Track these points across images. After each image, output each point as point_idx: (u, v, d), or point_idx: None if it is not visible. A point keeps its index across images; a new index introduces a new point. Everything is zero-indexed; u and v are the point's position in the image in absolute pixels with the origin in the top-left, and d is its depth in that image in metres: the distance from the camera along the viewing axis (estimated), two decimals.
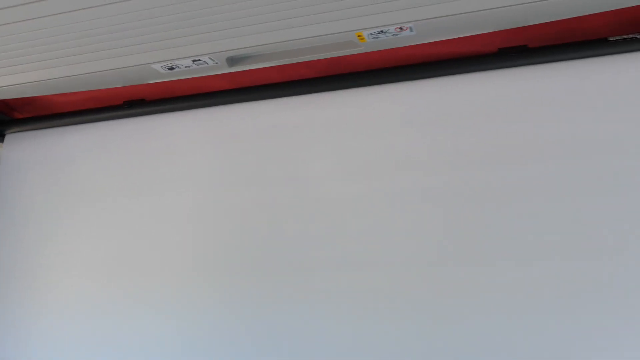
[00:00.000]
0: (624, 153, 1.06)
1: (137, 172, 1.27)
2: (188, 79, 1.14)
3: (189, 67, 1.08)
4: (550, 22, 0.97)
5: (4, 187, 1.29)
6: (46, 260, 1.28)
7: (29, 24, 0.89)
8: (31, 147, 1.29)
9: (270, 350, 1.14)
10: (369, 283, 1.14)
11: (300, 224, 1.20)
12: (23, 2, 0.84)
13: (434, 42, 1.10)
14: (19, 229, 1.28)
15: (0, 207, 1.29)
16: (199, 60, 1.06)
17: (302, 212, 1.21)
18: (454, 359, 1.08)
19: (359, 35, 1.01)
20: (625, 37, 1.05)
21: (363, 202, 1.18)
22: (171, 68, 1.09)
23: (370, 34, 1.00)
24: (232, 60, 1.08)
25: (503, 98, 1.13)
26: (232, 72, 1.14)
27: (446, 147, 1.16)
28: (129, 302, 1.23)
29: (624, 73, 1.06)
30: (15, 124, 1.30)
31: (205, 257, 1.23)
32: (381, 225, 1.16)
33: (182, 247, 1.24)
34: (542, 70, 1.12)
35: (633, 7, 0.96)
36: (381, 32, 1.00)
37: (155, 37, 0.96)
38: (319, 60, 1.20)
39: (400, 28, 0.98)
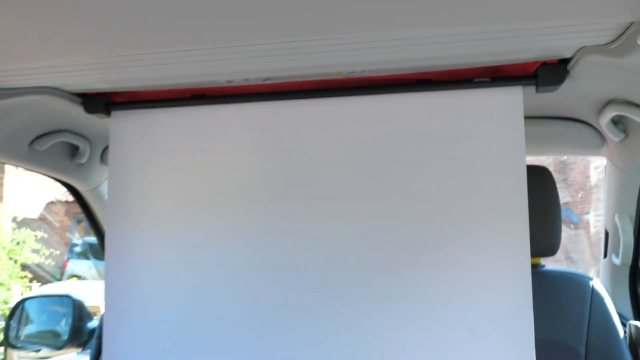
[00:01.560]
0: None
1: (213, 139, 1.56)
2: None
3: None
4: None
5: (115, 153, 1.60)
6: (148, 196, 1.59)
7: None
8: (132, 122, 1.60)
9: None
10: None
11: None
12: None
13: None
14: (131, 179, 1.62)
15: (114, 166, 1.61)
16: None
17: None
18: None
19: (341, 73, 1.37)
20: (482, 79, 1.39)
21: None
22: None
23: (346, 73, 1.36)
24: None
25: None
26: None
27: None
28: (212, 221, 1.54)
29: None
30: (116, 105, 1.61)
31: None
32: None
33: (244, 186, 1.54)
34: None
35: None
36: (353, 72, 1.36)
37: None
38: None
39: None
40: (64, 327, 2.43)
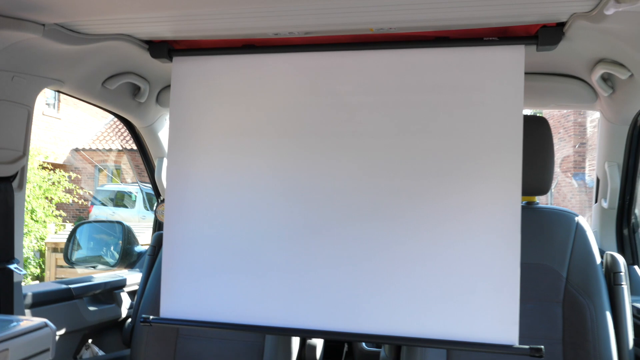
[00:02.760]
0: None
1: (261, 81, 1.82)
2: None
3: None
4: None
5: (176, 92, 1.87)
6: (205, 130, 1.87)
7: None
8: (190, 66, 1.86)
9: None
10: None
11: None
12: None
13: None
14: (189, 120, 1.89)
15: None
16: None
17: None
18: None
19: (371, 29, 1.63)
20: (491, 38, 1.63)
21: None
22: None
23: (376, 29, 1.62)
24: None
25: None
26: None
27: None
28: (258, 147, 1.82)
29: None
30: (177, 52, 1.87)
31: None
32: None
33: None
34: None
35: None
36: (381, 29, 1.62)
37: None
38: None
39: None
40: (116, 249, 2.78)
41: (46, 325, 1.38)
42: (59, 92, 1.96)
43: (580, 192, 12.83)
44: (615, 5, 1.22)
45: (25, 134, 1.76)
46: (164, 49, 1.83)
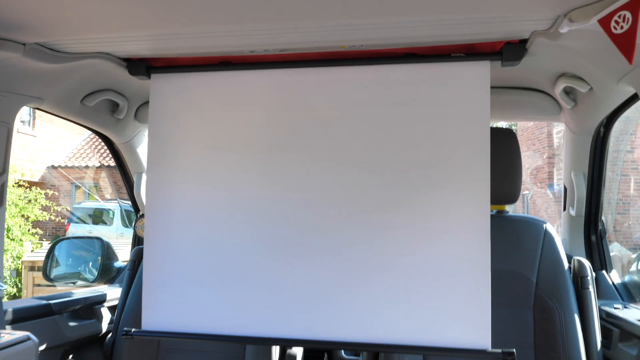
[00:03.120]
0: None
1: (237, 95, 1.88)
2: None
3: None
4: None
5: (155, 108, 1.91)
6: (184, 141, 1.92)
7: None
8: (168, 83, 1.91)
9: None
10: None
11: None
12: None
13: None
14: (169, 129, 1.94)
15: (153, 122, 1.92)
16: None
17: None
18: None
19: (343, 47, 1.70)
20: (458, 55, 1.70)
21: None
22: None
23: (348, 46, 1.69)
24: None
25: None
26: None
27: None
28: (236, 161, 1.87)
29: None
30: (155, 69, 1.91)
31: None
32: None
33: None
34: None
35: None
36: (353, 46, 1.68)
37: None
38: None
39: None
40: (95, 265, 2.78)
41: (29, 338, 1.40)
42: (38, 109, 1.99)
43: (556, 202, 13.05)
44: (569, 24, 1.31)
45: (5, 151, 1.78)
46: (142, 66, 1.88)
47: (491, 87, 1.71)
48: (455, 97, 1.71)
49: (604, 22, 1.14)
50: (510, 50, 1.66)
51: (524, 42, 1.63)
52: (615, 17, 1.12)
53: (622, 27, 1.11)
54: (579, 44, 1.53)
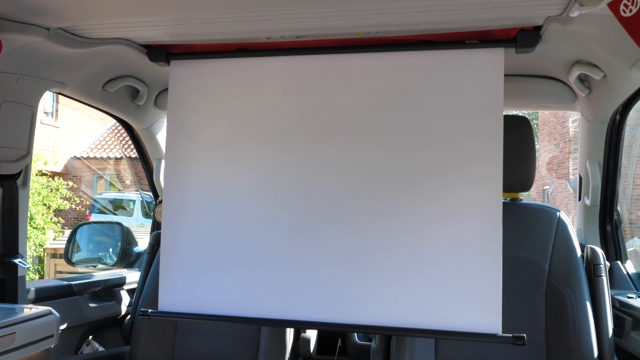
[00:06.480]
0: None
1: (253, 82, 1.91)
2: None
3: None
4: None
5: (173, 93, 1.96)
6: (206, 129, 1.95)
7: None
8: (187, 69, 1.95)
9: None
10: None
11: None
12: None
13: None
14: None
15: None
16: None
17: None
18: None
19: (359, 33, 1.71)
20: (472, 41, 1.71)
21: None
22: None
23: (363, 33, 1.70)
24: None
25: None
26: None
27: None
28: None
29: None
30: (174, 55, 1.96)
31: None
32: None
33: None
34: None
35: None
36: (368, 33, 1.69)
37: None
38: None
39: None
40: (115, 249, 2.85)
41: (50, 312, 1.46)
42: (60, 94, 2.04)
43: (576, 198, 12.83)
44: (579, 8, 1.31)
45: (29, 133, 1.84)
46: (162, 52, 1.92)
47: (506, 75, 1.72)
48: (469, 84, 1.73)
49: (613, 6, 1.15)
50: (524, 37, 1.66)
51: (537, 29, 1.64)
52: (625, 1, 1.13)
53: (630, 10, 1.12)
54: (591, 30, 1.53)
